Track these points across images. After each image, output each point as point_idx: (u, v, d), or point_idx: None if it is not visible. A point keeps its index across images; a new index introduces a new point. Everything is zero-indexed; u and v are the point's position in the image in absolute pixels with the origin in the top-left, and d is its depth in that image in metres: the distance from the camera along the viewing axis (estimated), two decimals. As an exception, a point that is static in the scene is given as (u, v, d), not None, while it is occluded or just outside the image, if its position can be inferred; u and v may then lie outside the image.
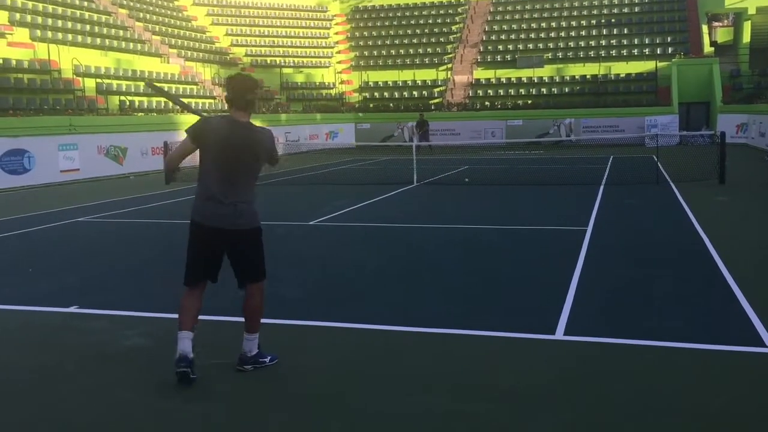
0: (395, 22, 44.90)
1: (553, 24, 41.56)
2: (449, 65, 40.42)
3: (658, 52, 36.98)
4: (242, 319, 4.85)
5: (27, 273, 8.19)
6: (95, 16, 30.91)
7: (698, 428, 3.92)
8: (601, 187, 15.47)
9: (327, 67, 41.79)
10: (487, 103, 37.00)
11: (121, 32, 31.19)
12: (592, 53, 38.36)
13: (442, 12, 44.75)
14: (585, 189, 15.24)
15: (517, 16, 42.92)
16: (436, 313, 6.23)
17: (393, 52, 42.41)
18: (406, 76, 40.37)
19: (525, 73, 37.81)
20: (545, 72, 37.64)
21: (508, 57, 39.15)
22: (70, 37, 27.36)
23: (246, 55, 39.25)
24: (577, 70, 37.53)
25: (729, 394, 4.34)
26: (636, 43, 38.32)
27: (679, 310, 6.13)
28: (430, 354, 5.18)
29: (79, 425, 4.14)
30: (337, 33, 45.04)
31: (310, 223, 11.59)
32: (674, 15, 39.61)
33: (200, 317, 4.78)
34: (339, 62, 42.61)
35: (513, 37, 41.14)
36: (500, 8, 44.04)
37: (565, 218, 11.38)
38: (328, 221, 11.74)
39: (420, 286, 7.25)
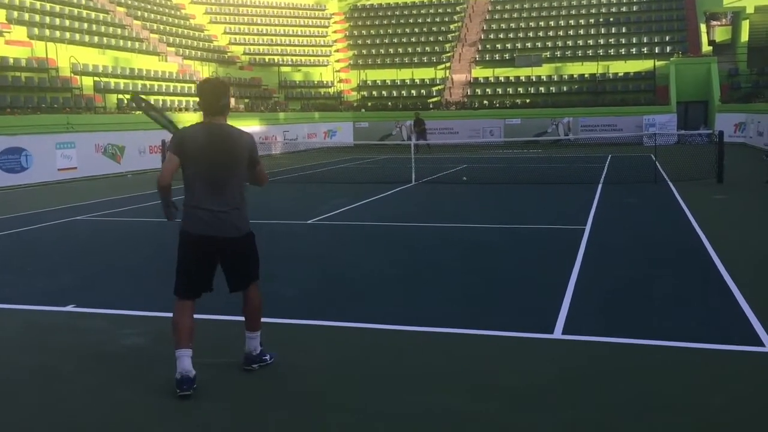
0: (393, 21, 44.89)
1: (552, 23, 41.57)
2: (447, 64, 40.42)
3: (657, 51, 37.00)
4: (240, 318, 4.84)
5: (24, 272, 8.18)
6: (93, 15, 30.87)
7: (697, 427, 3.92)
8: (600, 186, 15.48)
9: (325, 65, 41.77)
10: (485, 101, 37.01)
11: (119, 30, 31.15)
12: (590, 52, 38.37)
13: (440, 11, 44.74)
14: (583, 188, 15.24)
15: (515, 15, 42.92)
16: (435, 312, 6.23)
17: (391, 50, 42.40)
18: (405, 74, 40.35)
19: (523, 72, 37.81)
20: (543, 71, 37.65)
21: (507, 56, 39.15)
22: (68, 35, 27.31)
23: (244, 53, 39.21)
24: (575, 69, 37.55)
25: (727, 394, 4.34)
26: (634, 42, 38.34)
27: (677, 310, 6.13)
28: (429, 353, 5.18)
29: (77, 425, 4.13)
30: (335, 31, 45.02)
31: (309, 221, 11.58)
32: (672, 14, 39.63)
33: (200, 316, 4.76)
34: (337, 61, 42.60)
35: (511, 36, 41.14)
36: (498, 7, 44.03)
37: (563, 217, 11.39)
38: (327, 220, 11.73)
39: (418, 285, 7.24)
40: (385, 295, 6.93)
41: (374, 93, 39.96)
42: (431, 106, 37.67)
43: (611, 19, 40.54)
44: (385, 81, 40.41)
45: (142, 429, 4.05)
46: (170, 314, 4.61)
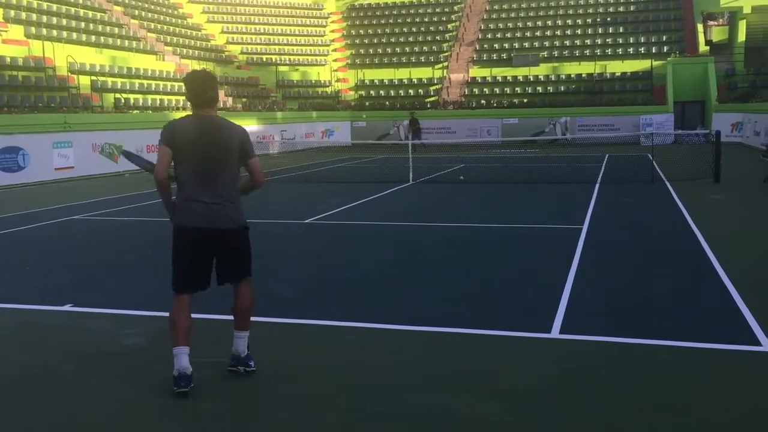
0: (391, 20, 44.89)
1: (549, 23, 41.59)
2: (445, 63, 40.42)
3: (654, 50, 37.04)
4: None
5: (21, 271, 8.16)
6: (90, 14, 30.82)
7: (696, 427, 3.93)
8: (597, 186, 15.49)
9: (323, 65, 41.75)
10: (482, 101, 37.03)
11: (116, 30, 31.10)
12: (587, 52, 38.40)
13: (438, 10, 44.74)
14: (580, 188, 15.26)
15: (512, 15, 42.94)
16: (433, 312, 6.23)
17: (389, 50, 42.40)
18: (402, 74, 40.36)
19: (521, 72, 37.84)
20: (541, 70, 37.67)
21: (504, 55, 39.17)
22: (65, 34, 27.27)
23: (241, 52, 39.18)
24: (572, 68, 37.59)
25: (724, 393, 4.35)
26: (631, 41, 38.38)
27: (674, 309, 6.14)
28: (427, 353, 5.18)
29: (76, 425, 4.12)
30: (332, 31, 45.01)
31: (306, 221, 11.58)
32: (670, 14, 39.68)
33: (199, 316, 4.76)
34: (335, 60, 42.58)
35: (509, 35, 41.15)
36: (496, 6, 44.04)
37: (560, 217, 11.40)
38: (324, 219, 11.72)
39: (416, 284, 7.24)
40: (382, 294, 6.93)
41: (372, 92, 39.96)
42: (429, 106, 37.68)
43: (608, 19, 40.58)
44: (382, 80, 40.42)
45: (141, 429, 4.05)
46: (168, 314, 4.60)
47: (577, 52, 38.65)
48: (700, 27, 38.27)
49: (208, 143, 4.42)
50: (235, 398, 4.37)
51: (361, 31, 44.53)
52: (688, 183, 15.24)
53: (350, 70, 41.63)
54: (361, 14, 45.98)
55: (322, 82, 40.30)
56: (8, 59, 23.02)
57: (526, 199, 14.05)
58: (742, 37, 36.18)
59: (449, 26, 43.33)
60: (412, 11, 45.22)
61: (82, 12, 30.40)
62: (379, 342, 5.49)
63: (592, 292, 6.73)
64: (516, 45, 39.95)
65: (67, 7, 29.75)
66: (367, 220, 11.71)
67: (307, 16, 45.17)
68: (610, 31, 39.66)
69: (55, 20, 28.09)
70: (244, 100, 34.03)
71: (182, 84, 4.60)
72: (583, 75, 36.90)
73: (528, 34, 40.96)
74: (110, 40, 29.66)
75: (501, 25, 42.28)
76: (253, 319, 4.78)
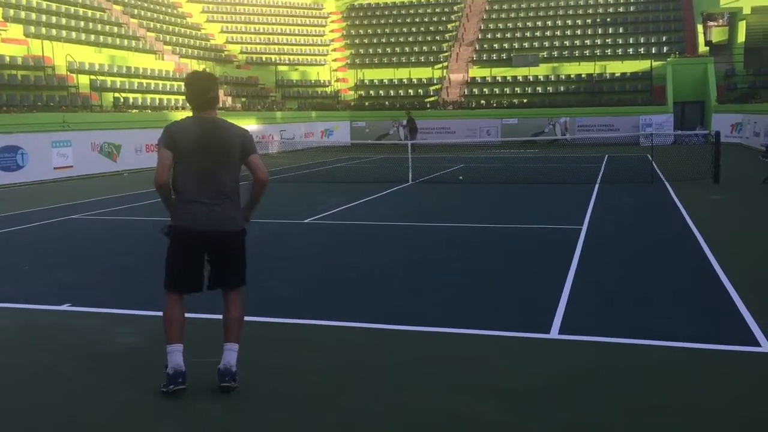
0: (391, 20, 44.87)
1: (549, 23, 41.59)
2: (445, 63, 40.42)
3: (653, 51, 37.05)
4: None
5: (19, 270, 8.15)
6: (89, 13, 30.80)
7: (693, 427, 3.92)
8: (596, 186, 15.49)
9: (322, 65, 41.74)
10: (482, 101, 37.03)
11: (115, 29, 31.08)
12: (587, 52, 38.40)
13: (437, 10, 44.73)
14: (580, 188, 15.25)
15: (512, 15, 42.94)
16: (432, 312, 6.22)
17: (389, 50, 42.39)
18: (402, 74, 40.35)
19: (520, 72, 37.84)
20: (540, 71, 37.68)
21: (504, 55, 39.17)
22: (64, 33, 27.25)
23: (241, 52, 39.16)
24: (572, 69, 37.59)
25: (723, 394, 4.34)
26: (631, 42, 38.38)
27: (673, 309, 6.13)
28: (426, 353, 5.17)
29: (75, 425, 4.11)
30: (332, 31, 45.00)
31: (306, 221, 11.57)
32: (669, 14, 39.68)
33: (199, 315, 4.74)
34: (334, 60, 42.57)
35: (508, 35, 41.15)
36: (496, 7, 44.03)
37: (559, 217, 11.39)
38: (324, 219, 11.71)
39: (415, 284, 7.23)
40: (382, 294, 6.92)
41: (371, 92, 39.95)
42: (428, 106, 37.68)
43: (608, 19, 40.58)
44: (382, 80, 40.41)
45: (141, 428, 4.03)
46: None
47: (576, 53, 38.66)
48: (699, 27, 38.28)
49: (209, 145, 4.38)
50: (234, 398, 4.36)
51: (361, 31, 44.52)
52: (687, 183, 15.24)
53: (350, 70, 41.62)
54: (361, 14, 45.98)
55: (322, 81, 40.30)
56: (7, 58, 23.00)
57: (526, 199, 14.04)
58: (741, 37, 36.19)
59: (449, 26, 43.32)
60: (411, 11, 45.21)
61: (81, 11, 30.38)
62: (379, 342, 5.48)
63: (591, 292, 6.72)
64: (516, 45, 39.95)
65: (66, 6, 29.72)
66: (366, 220, 11.69)
67: (307, 15, 45.16)
68: (610, 32, 39.66)
69: (54, 19, 28.07)
70: (243, 99, 34.01)
71: (182, 83, 4.57)
72: (583, 75, 36.91)
73: (528, 34, 40.96)
74: (109, 40, 29.64)
75: (501, 25, 42.28)
76: (253, 319, 4.76)
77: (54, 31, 26.81)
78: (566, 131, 33.26)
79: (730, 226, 10.59)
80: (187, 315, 4.58)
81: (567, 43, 39.65)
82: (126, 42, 30.49)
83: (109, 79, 26.47)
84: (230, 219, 4.45)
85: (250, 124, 29.52)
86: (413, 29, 43.66)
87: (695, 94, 33.80)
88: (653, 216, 11.47)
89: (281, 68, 39.36)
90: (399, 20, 44.76)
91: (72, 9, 29.92)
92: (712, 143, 16.61)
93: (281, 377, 4.68)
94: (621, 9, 41.22)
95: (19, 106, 21.31)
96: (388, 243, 9.69)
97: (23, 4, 27.30)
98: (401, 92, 39.39)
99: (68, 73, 24.85)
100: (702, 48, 37.14)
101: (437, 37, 42.58)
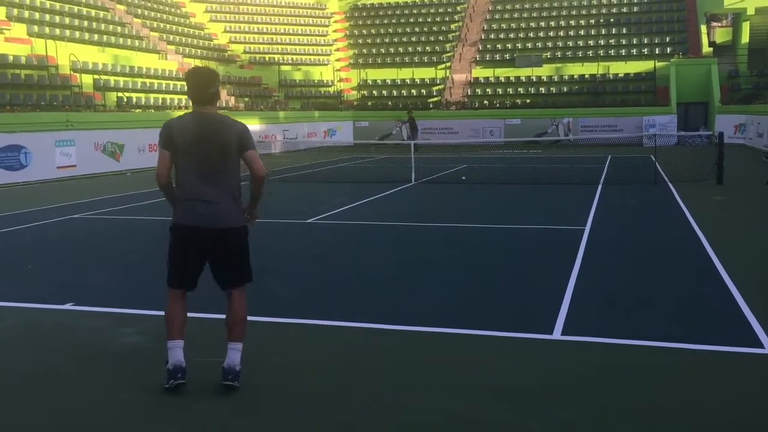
0: (394, 20, 44.87)
1: (552, 23, 41.56)
2: (448, 64, 40.40)
3: (657, 52, 36.99)
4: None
5: (23, 270, 8.16)
6: (93, 12, 30.84)
7: (694, 429, 3.91)
8: (599, 187, 15.47)
9: (326, 64, 41.75)
10: (485, 101, 37.00)
11: (119, 28, 31.12)
12: (590, 53, 38.36)
13: (441, 10, 44.72)
14: (583, 188, 15.23)
15: (516, 15, 42.91)
16: (434, 312, 6.21)
17: (392, 50, 42.38)
18: (405, 74, 40.34)
19: (524, 72, 37.80)
20: (544, 71, 37.64)
21: (507, 56, 39.14)
22: (67, 32, 27.29)
23: (244, 52, 39.18)
24: (575, 69, 37.55)
25: (726, 395, 4.33)
26: (635, 42, 38.33)
27: (676, 311, 6.12)
28: (428, 353, 5.16)
29: (77, 425, 4.11)
30: (335, 31, 45.00)
31: (308, 220, 11.57)
32: (673, 15, 39.63)
33: (200, 315, 4.74)
34: (337, 60, 42.58)
35: (512, 36, 41.12)
36: (499, 7, 44.01)
37: (563, 218, 11.38)
38: (326, 219, 11.71)
39: (417, 285, 7.23)
40: (384, 295, 6.92)
41: (374, 92, 39.95)
42: (431, 106, 37.67)
43: (612, 20, 40.53)
44: (385, 80, 40.41)
45: (141, 428, 4.04)
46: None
47: (580, 53, 38.61)
48: (703, 28, 38.21)
49: (206, 140, 4.34)
50: (235, 398, 4.36)
51: (364, 31, 44.52)
52: (690, 184, 15.21)
53: (353, 70, 41.62)
54: (364, 14, 45.97)
55: (325, 81, 40.30)
56: (11, 57, 23.03)
57: (529, 199, 14.03)
58: (745, 38, 36.13)
59: (452, 26, 43.30)
60: (415, 11, 45.20)
61: (85, 11, 30.42)
62: (380, 342, 5.47)
63: (594, 293, 6.71)
64: (519, 45, 39.92)
65: (70, 5, 29.77)
66: (369, 220, 11.69)
67: (310, 15, 45.17)
68: (614, 32, 39.61)
69: (58, 19, 28.11)
70: (246, 99, 34.03)
71: (185, 83, 4.53)
72: (586, 76, 36.86)
73: (531, 34, 40.93)
74: (113, 39, 29.67)
75: (504, 26, 42.26)
76: (255, 319, 4.76)
77: (58, 31, 26.85)
78: (569, 132, 33.23)
79: (733, 227, 10.56)
80: (195, 315, 4.58)
81: (570, 43, 39.61)
82: (129, 42, 30.53)
83: (112, 78, 26.50)
84: (230, 216, 4.41)
85: (253, 124, 29.54)
86: (416, 29, 43.64)
87: (699, 94, 33.75)
88: (656, 217, 11.45)
89: (284, 68, 39.38)
90: (402, 20, 44.76)
91: (76, 8, 29.96)
92: (715, 144, 16.57)
93: (282, 377, 4.67)
94: (624, 9, 41.16)
95: (22, 106, 21.34)
96: (391, 243, 9.68)
97: (27, 3, 27.34)
98: (404, 92, 39.37)
99: (72, 72, 24.88)
100: (705, 49, 37.07)
101: (440, 37, 42.56)
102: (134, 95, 26.70)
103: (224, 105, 30.65)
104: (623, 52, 38.00)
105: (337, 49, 43.46)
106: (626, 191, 14.63)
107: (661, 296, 6.59)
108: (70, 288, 7.23)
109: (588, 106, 34.45)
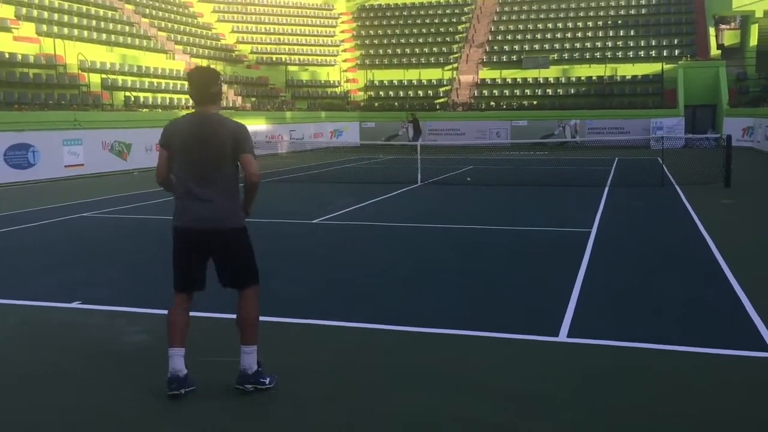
0: (401, 21, 44.88)
1: (560, 25, 41.49)
2: (455, 65, 40.38)
3: (665, 54, 36.89)
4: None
5: (30, 268, 8.19)
6: (101, 12, 30.95)
7: (702, 433, 3.90)
8: (606, 189, 15.43)
9: (332, 65, 41.78)
10: (492, 103, 36.96)
11: (127, 28, 31.22)
12: (598, 54, 38.27)
13: (448, 11, 44.70)
14: (589, 190, 15.20)
15: (523, 17, 42.86)
16: (439, 313, 6.21)
17: (399, 51, 42.39)
18: (412, 75, 40.34)
19: (531, 74, 37.75)
20: (551, 73, 37.58)
21: (514, 57, 39.09)
22: (75, 32, 27.39)
23: (251, 52, 39.26)
24: (582, 71, 37.46)
25: (732, 399, 4.32)
26: (642, 44, 38.22)
27: (682, 314, 6.10)
28: (432, 355, 5.16)
29: (79, 424, 4.13)
30: (342, 31, 45.04)
31: (314, 221, 11.58)
32: (681, 17, 39.51)
33: (201, 314, 4.75)
34: (344, 60, 42.61)
35: (519, 37, 41.08)
36: (506, 8, 43.97)
37: (569, 220, 11.35)
38: (332, 220, 11.72)
39: (423, 286, 7.22)
40: (389, 295, 6.92)
41: (381, 93, 39.96)
42: (438, 107, 37.65)
43: (619, 22, 40.44)
44: (392, 81, 40.41)
45: (143, 427, 4.05)
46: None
47: (587, 55, 38.53)
48: (711, 30, 38.08)
49: (201, 141, 4.31)
50: (236, 398, 4.36)
51: (371, 32, 44.55)
52: (698, 187, 15.16)
53: (360, 71, 41.65)
54: (371, 15, 46.00)
55: (332, 82, 40.34)
56: (19, 56, 23.13)
57: (535, 201, 14.00)
58: (754, 41, 35.96)
59: (459, 27, 43.28)
60: (422, 12, 45.20)
61: (93, 10, 30.53)
62: (385, 343, 5.47)
63: (600, 295, 6.70)
64: (526, 47, 39.87)
65: (78, 5, 29.88)
66: (374, 221, 11.69)
67: (317, 16, 45.23)
68: (621, 34, 39.52)
69: (66, 18, 28.22)
70: (253, 99, 34.09)
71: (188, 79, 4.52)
72: (594, 77, 36.78)
73: (538, 36, 40.87)
74: (121, 39, 29.77)
75: (511, 27, 42.21)
76: (260, 319, 4.73)
77: (66, 30, 26.95)
78: (576, 133, 33.16)
79: (741, 230, 10.52)
80: (206, 314, 4.57)
81: (578, 45, 39.53)
82: (137, 41, 30.63)
83: (120, 78, 26.59)
84: (227, 217, 4.37)
85: (259, 124, 29.62)
86: (423, 30, 43.64)
87: (707, 97, 33.63)
88: (663, 219, 11.41)
89: (291, 68, 39.43)
90: (409, 21, 44.76)
91: (84, 8, 30.07)
92: (723, 147, 16.52)
93: (284, 377, 4.66)
94: (632, 11, 41.06)
95: (30, 104, 21.43)
96: (396, 244, 9.68)
97: (36, 2, 27.46)
98: (411, 93, 39.37)
99: (80, 71, 24.97)
100: (714, 51, 36.95)
101: (447, 39, 42.55)
102: (142, 95, 26.78)
103: (231, 105, 30.72)
104: (631, 54, 37.90)
105: (344, 50, 43.50)
106: (633, 194, 14.60)
107: (667, 299, 6.57)
108: (77, 287, 7.26)
109: (595, 108, 34.38)
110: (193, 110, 4.47)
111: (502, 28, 42.39)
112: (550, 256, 8.62)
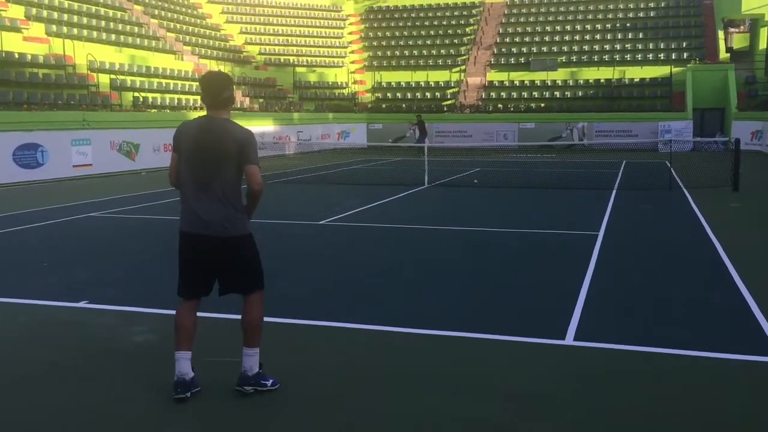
0: (409, 23, 44.90)
1: (568, 27, 41.43)
2: (462, 67, 40.36)
3: (673, 57, 36.77)
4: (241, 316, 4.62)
5: (38, 267, 8.23)
6: (110, 13, 31.09)
7: (709, 438, 3.88)
8: (614, 192, 15.39)
9: (340, 66, 41.83)
10: (499, 105, 36.92)
11: (135, 29, 31.34)
12: (606, 57, 38.18)
13: (456, 13, 44.70)
14: (597, 193, 15.16)
15: (531, 19, 42.82)
16: (445, 315, 6.20)
17: (406, 52, 42.40)
18: (419, 77, 40.35)
19: (538, 76, 37.71)
20: (559, 75, 37.52)
21: (522, 59, 39.05)
22: (85, 32, 27.51)
23: (260, 53, 39.35)
24: (591, 73, 37.39)
25: (738, 403, 4.30)
26: (651, 47, 38.12)
27: (689, 317, 6.08)
28: (437, 356, 5.16)
29: (83, 424, 4.14)
30: (350, 33, 45.09)
31: (320, 222, 11.59)
32: (690, 20, 39.38)
33: (203, 315, 4.74)
34: (352, 62, 42.65)
35: (527, 39, 41.03)
36: (514, 10, 43.94)
37: (576, 222, 11.33)
38: (339, 221, 11.73)
39: (429, 287, 7.22)
40: (395, 297, 6.91)
41: (389, 95, 39.97)
42: (445, 109, 37.64)
43: (628, 25, 40.35)
44: (399, 83, 40.43)
45: (145, 427, 4.06)
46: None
47: (595, 57, 38.44)
48: (720, 34, 37.95)
49: (205, 146, 4.30)
50: (237, 398, 4.37)
51: (379, 34, 44.58)
52: (706, 191, 15.10)
53: (367, 72, 41.68)
54: (379, 16, 46.04)
55: (339, 83, 40.38)
56: (29, 56, 23.25)
57: (542, 204, 13.97)
58: (763, 44, 35.83)
59: (467, 29, 43.27)
60: (430, 14, 45.21)
61: (102, 11, 30.67)
62: (390, 344, 5.47)
63: (607, 298, 6.68)
64: (534, 49, 39.82)
65: (87, 5, 30.02)
66: (381, 223, 11.69)
67: (326, 17, 45.30)
68: (630, 37, 39.42)
69: (75, 19, 28.35)
70: (261, 100, 34.16)
71: (200, 85, 4.53)
72: (602, 80, 36.70)
73: (546, 38, 40.82)
74: (130, 39, 29.89)
75: (519, 29, 42.17)
76: (264, 319, 4.73)
77: (75, 31, 27.07)
78: (584, 136, 33.09)
79: (749, 234, 10.48)
80: (206, 314, 4.58)
81: (586, 47, 39.46)
82: (146, 42, 30.73)
83: (128, 78, 26.69)
84: (230, 224, 4.34)
85: (267, 125, 29.67)
86: (431, 32, 43.64)
87: (715, 100, 33.50)
88: (671, 223, 11.37)
89: (299, 70, 39.50)
90: (417, 23, 44.77)
91: (93, 9, 30.21)
92: (731, 150, 16.45)
93: (287, 377, 4.66)
94: (641, 14, 40.97)
95: (39, 104, 21.53)
96: (403, 246, 9.68)
97: (45, 3, 27.60)
98: (418, 95, 39.37)
99: (89, 72, 25.08)
100: (723, 54, 36.81)
101: (455, 41, 42.54)
102: (150, 95, 26.87)
103: (239, 106, 30.78)
104: (639, 56, 37.80)
105: (352, 51, 43.54)
106: (641, 197, 14.55)
107: (674, 302, 6.54)
108: (84, 286, 7.28)
109: (603, 110, 34.29)
110: (205, 112, 4.48)
111: (510, 30, 42.36)
112: (557, 259, 8.60)
